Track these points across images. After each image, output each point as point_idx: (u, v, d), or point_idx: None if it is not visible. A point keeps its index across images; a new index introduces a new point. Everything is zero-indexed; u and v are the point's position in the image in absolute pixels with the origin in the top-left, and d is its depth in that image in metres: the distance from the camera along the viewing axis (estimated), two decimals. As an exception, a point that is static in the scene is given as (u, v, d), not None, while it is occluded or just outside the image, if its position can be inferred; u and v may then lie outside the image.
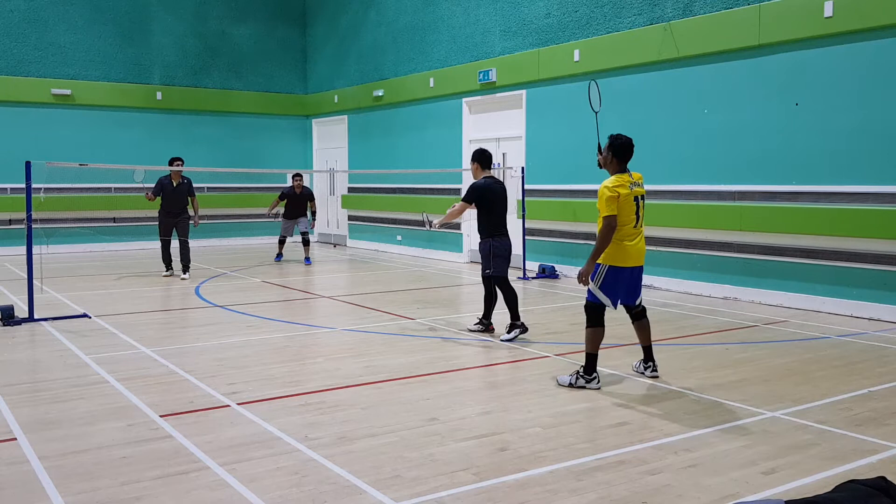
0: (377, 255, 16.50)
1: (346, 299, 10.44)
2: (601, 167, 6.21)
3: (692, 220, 10.63)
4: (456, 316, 9.34)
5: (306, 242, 15.12)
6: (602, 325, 6.04)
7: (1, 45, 16.34)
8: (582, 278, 5.88)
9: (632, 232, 5.92)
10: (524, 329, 7.69)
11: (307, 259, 14.97)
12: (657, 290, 11.08)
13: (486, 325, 8.09)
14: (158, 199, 12.64)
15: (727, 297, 10.25)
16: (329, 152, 19.70)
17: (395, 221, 16.95)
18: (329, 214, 19.78)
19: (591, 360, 5.94)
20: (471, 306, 10.54)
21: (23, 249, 9.17)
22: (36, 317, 8.67)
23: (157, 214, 12.91)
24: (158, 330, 8.31)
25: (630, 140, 6.02)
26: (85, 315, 8.98)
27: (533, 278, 12.40)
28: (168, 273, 12.75)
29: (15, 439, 4.73)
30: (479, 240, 8.03)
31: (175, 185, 12.60)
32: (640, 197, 5.95)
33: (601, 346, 6.05)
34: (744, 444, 4.61)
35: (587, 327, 6.00)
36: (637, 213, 5.93)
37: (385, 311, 9.41)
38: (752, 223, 9.91)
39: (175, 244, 12.70)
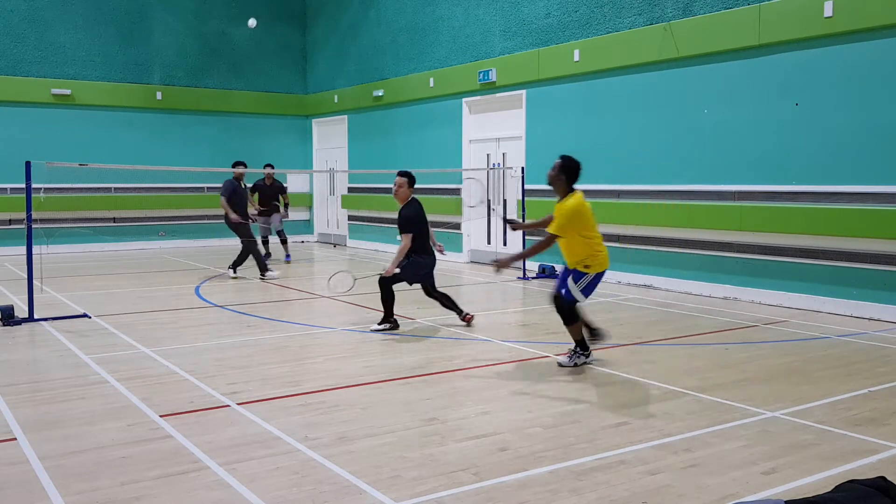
0: (377, 255, 16.49)
1: (346, 299, 10.44)
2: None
3: (692, 220, 10.63)
4: (456, 316, 9.32)
5: (284, 241, 14.95)
6: (580, 317, 6.74)
7: (1, 45, 16.33)
8: (499, 265, 6.74)
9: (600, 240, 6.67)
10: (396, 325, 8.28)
11: (287, 256, 14.92)
12: (657, 290, 11.08)
13: (392, 322, 8.40)
14: (255, 196, 13.59)
15: (727, 297, 10.25)
16: (329, 152, 19.69)
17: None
18: (329, 214, 19.79)
19: (583, 342, 6.66)
20: (471, 306, 10.52)
21: (23, 249, 9.17)
22: (36, 317, 8.67)
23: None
24: (158, 330, 8.31)
25: (579, 164, 6.56)
26: (85, 315, 8.98)
27: (533, 278, 12.39)
28: (271, 273, 12.44)
29: (15, 439, 4.73)
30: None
31: (269, 184, 13.72)
32: None
33: (599, 345, 6.10)
34: (744, 444, 4.61)
35: (571, 324, 6.61)
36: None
37: (385, 311, 9.39)
38: (752, 223, 9.91)
39: (237, 242, 12.70)
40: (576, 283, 6.55)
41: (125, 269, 13.85)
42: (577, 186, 6.61)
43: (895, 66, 8.61)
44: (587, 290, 6.59)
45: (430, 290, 8.58)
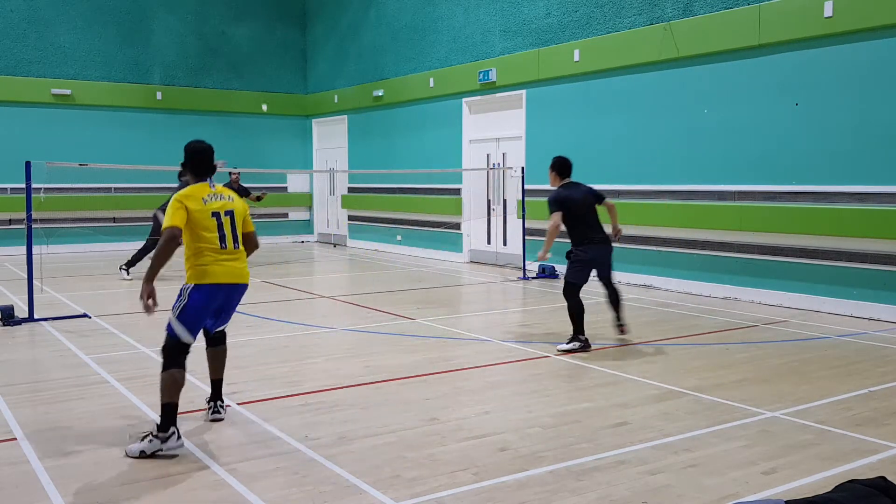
0: (377, 255, 16.50)
1: (346, 299, 10.44)
2: None
3: (692, 220, 10.63)
4: (456, 316, 9.33)
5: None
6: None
7: (1, 45, 16.34)
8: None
9: None
10: (586, 345, 7.25)
11: None
12: (657, 290, 11.07)
13: (583, 341, 7.28)
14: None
15: (727, 297, 10.25)
16: (329, 152, 19.69)
17: (395, 221, 16.95)
18: (329, 214, 19.79)
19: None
20: (471, 306, 10.55)
21: (23, 249, 9.17)
22: (36, 317, 8.67)
23: (151, 214, 12.90)
24: (159, 330, 8.26)
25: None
26: (85, 315, 8.98)
27: (533, 278, 12.39)
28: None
29: (15, 439, 4.74)
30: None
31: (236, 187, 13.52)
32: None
33: (599, 345, 6.05)
34: (744, 444, 4.61)
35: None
36: None
37: (385, 311, 9.41)
38: (752, 223, 9.91)
39: None
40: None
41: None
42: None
43: (895, 66, 8.61)
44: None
45: (607, 282, 7.61)
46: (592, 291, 11.02)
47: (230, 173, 14.14)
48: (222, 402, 5.31)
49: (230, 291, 5.07)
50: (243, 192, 14.26)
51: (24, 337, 7.91)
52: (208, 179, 5.08)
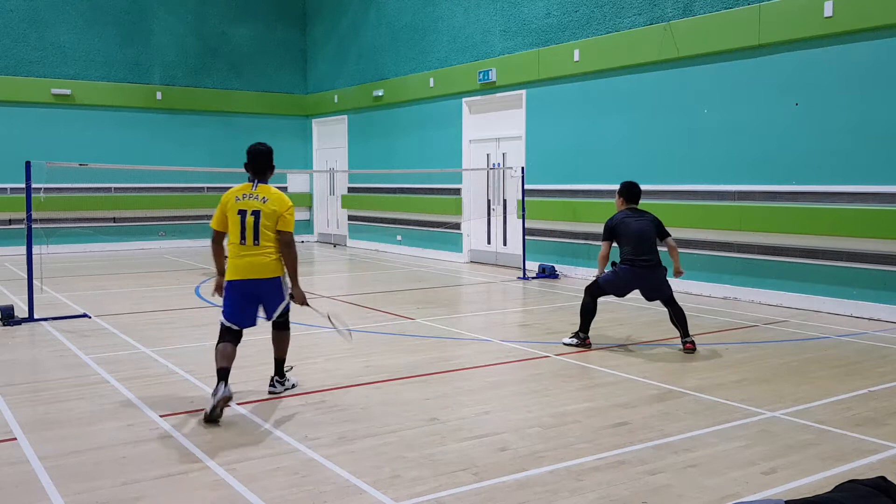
0: (377, 255, 16.50)
1: (346, 299, 10.44)
2: None
3: (692, 220, 10.63)
4: (456, 316, 9.33)
5: None
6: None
7: (1, 45, 16.34)
8: (300, 300, 5.67)
9: None
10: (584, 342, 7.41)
11: None
12: (657, 290, 11.06)
13: (582, 338, 7.43)
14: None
15: (727, 297, 10.25)
16: (329, 152, 19.70)
17: (395, 221, 16.95)
18: (329, 214, 19.79)
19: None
20: (471, 306, 10.55)
21: (23, 249, 9.17)
22: (36, 317, 8.67)
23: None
24: (158, 330, 8.30)
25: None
26: (85, 315, 8.98)
27: (533, 278, 12.39)
28: None
29: (15, 439, 4.74)
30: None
31: None
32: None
33: (599, 345, 6.05)
34: (744, 444, 4.61)
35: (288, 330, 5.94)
36: None
37: (385, 311, 9.41)
38: (752, 223, 9.91)
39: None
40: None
41: (125, 269, 13.85)
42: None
43: (895, 66, 8.61)
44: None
45: (666, 303, 7.43)
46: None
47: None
48: (280, 379, 5.81)
49: (255, 286, 5.43)
50: None
51: (24, 337, 7.91)
52: (255, 180, 5.57)
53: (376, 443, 4.65)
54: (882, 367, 6.56)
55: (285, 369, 5.93)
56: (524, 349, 7.31)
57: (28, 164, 8.60)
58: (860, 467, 4.23)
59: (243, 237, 5.32)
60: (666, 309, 7.41)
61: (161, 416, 5.16)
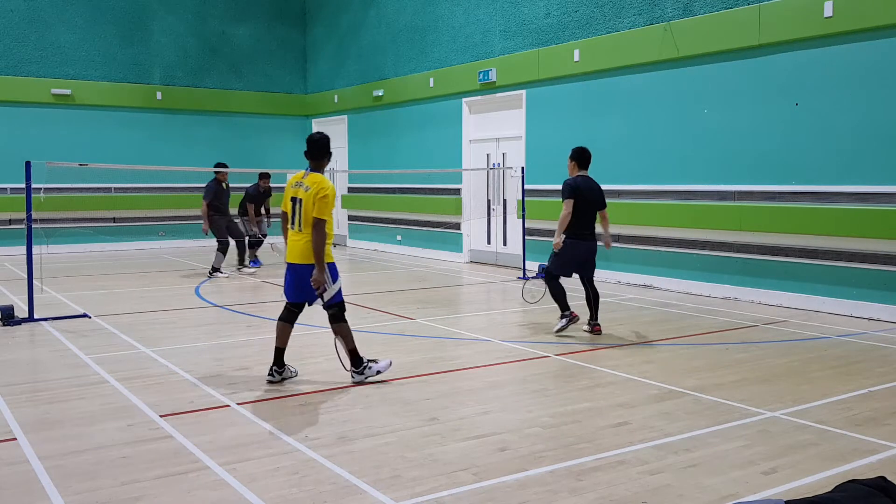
0: (377, 255, 16.50)
1: (347, 299, 10.43)
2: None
3: (692, 220, 10.63)
4: (456, 316, 9.33)
5: (259, 244, 13.99)
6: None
7: (1, 45, 16.34)
8: (317, 284, 5.78)
9: None
10: (574, 318, 7.90)
11: (256, 261, 14.06)
12: (657, 290, 11.08)
13: (568, 315, 7.87)
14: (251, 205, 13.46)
15: (727, 297, 10.25)
16: (329, 152, 19.67)
17: (395, 221, 16.95)
18: (329, 214, 19.77)
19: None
20: (471, 306, 10.55)
21: (23, 249, 9.17)
22: (36, 317, 8.67)
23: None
24: (158, 330, 8.31)
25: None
26: (85, 315, 8.98)
27: (532, 278, 12.39)
28: (250, 270, 13.28)
29: (15, 439, 4.73)
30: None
31: (224, 187, 13.14)
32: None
33: (599, 345, 6.05)
34: (744, 444, 4.61)
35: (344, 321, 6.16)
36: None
37: (385, 311, 9.41)
38: (752, 223, 9.91)
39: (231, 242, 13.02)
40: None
41: (125, 269, 13.85)
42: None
43: (895, 66, 8.61)
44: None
45: (587, 281, 7.96)
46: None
47: (259, 184, 13.89)
48: (357, 369, 6.06)
49: (294, 270, 5.95)
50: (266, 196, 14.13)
51: (24, 337, 7.91)
52: (307, 168, 6.01)
53: (376, 443, 4.65)
54: (882, 367, 6.56)
55: (358, 368, 6.11)
56: (524, 349, 7.31)
57: (28, 164, 8.60)
58: (860, 467, 4.23)
59: (293, 222, 5.89)
60: (587, 291, 7.94)
61: (161, 416, 5.16)
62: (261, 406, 5.44)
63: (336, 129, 19.31)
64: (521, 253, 12.75)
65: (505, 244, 14.32)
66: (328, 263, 5.82)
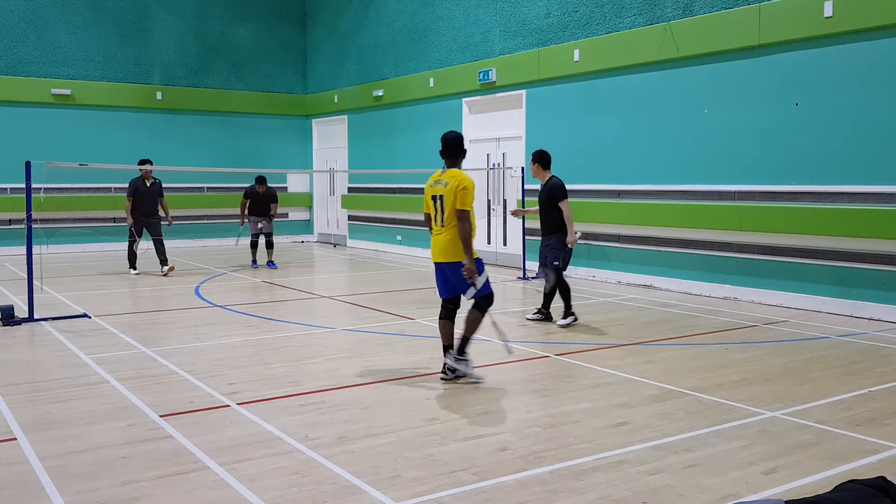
0: (377, 255, 16.50)
1: (346, 299, 10.44)
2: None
3: (692, 220, 10.63)
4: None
5: (270, 245, 14.02)
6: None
7: (1, 45, 16.34)
8: (469, 274, 5.89)
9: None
10: (575, 318, 8.48)
11: (272, 262, 14.01)
12: (657, 290, 11.08)
13: (545, 314, 8.71)
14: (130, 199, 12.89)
15: (727, 297, 10.25)
16: (329, 152, 19.70)
17: (395, 221, 16.95)
18: (329, 214, 19.79)
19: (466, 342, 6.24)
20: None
21: (23, 249, 9.17)
22: (36, 317, 8.67)
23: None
24: (158, 330, 8.31)
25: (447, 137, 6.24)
26: (85, 315, 8.98)
27: (532, 278, 12.38)
28: (137, 273, 12.92)
29: (15, 439, 4.73)
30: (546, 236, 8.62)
31: (148, 185, 12.88)
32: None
33: (599, 345, 6.05)
34: (744, 444, 4.61)
35: (482, 313, 6.16)
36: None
37: (385, 311, 9.41)
38: (752, 223, 9.91)
39: (146, 244, 12.98)
40: (480, 273, 6.55)
41: (125, 269, 13.84)
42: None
43: (895, 66, 8.61)
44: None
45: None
46: (593, 292, 11.03)
47: (256, 187, 13.81)
48: (459, 356, 6.09)
49: (440, 268, 6.13)
50: (273, 199, 14.03)
51: (24, 337, 7.91)
52: (444, 166, 6.18)
53: (376, 443, 4.65)
54: (882, 367, 6.56)
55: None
56: (524, 349, 7.31)
57: (28, 164, 8.60)
58: (860, 467, 4.23)
59: (436, 219, 6.10)
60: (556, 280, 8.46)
61: (161, 416, 5.16)
62: (261, 406, 5.44)
63: (336, 130, 19.32)
64: (521, 253, 12.75)
65: (505, 244, 14.32)
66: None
